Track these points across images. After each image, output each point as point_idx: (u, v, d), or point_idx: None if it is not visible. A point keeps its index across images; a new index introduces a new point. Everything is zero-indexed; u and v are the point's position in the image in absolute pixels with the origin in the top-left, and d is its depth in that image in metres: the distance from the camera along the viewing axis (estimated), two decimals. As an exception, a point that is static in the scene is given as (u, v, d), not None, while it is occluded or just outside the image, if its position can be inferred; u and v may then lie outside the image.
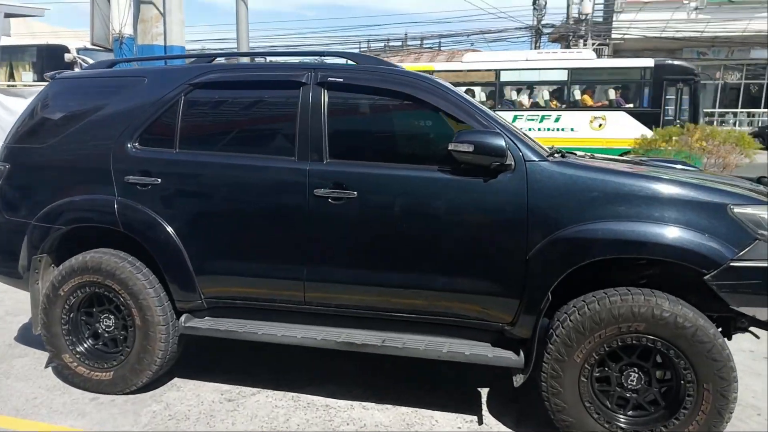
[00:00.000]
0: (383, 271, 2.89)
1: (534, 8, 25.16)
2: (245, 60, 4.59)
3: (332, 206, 2.88)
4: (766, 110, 24.35)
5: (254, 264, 3.09)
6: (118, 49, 9.00)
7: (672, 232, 2.47)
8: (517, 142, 2.72)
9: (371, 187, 2.85)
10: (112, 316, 3.34)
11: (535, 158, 2.70)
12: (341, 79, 2.99)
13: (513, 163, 2.68)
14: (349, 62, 3.20)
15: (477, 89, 14.44)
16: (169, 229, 3.14)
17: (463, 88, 12.69)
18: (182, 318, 3.23)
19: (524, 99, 14.33)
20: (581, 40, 23.82)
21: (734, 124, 24.15)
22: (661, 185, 2.59)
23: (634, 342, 2.52)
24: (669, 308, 2.43)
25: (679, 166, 3.32)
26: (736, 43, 23.51)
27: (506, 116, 12.72)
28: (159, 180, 3.14)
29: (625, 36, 23.66)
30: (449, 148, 2.67)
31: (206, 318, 3.24)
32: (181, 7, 8.47)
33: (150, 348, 3.22)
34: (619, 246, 2.51)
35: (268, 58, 3.61)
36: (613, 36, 24.07)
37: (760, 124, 22.68)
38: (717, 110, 25.07)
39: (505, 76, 14.29)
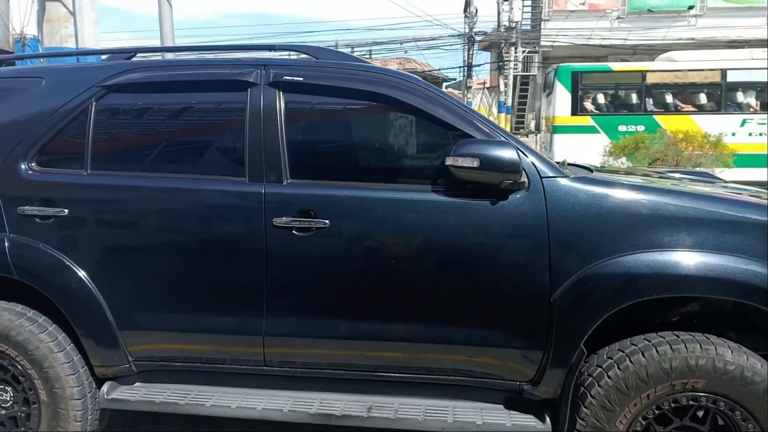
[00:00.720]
0: (365, 320, 2.30)
1: (465, 16, 25.35)
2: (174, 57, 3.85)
3: (297, 239, 2.26)
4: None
5: (197, 314, 2.41)
6: (20, 52, 7.87)
7: (742, 266, 2.02)
8: (529, 155, 2.21)
9: (347, 214, 2.26)
10: (9, 388, 2.54)
11: (552, 173, 2.20)
12: (301, 78, 2.37)
13: (526, 180, 2.17)
14: (303, 57, 2.59)
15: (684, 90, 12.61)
16: (81, 273, 2.40)
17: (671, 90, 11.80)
18: (104, 387, 2.48)
19: (751, 100, 12.58)
20: (512, 48, 24.24)
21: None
22: (717, 206, 2.15)
23: (690, 402, 2.05)
24: (733, 359, 1.99)
25: (704, 179, 2.95)
26: (657, 51, 24.74)
27: (733, 120, 11.72)
28: (65, 211, 2.40)
29: (554, 44, 24.32)
30: (447, 163, 2.13)
31: (137, 385, 2.51)
32: (93, 5, 7.49)
33: (61, 429, 2.45)
34: (679, 283, 2.04)
35: (206, 54, 2.93)
36: (542, 43, 24.67)
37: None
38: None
39: (733, 76, 12.65)
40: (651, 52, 25.80)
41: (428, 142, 2.48)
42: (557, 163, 2.42)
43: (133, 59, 2.70)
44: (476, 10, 24.46)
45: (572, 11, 24.70)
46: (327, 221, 2.24)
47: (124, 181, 2.43)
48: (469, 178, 2.13)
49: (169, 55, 3.77)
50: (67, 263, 2.41)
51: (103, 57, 2.81)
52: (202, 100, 2.52)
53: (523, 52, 24.41)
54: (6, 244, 2.43)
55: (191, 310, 2.41)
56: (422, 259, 2.23)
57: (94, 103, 2.48)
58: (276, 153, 2.33)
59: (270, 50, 2.67)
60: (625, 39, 23.75)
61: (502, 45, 24.13)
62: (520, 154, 2.14)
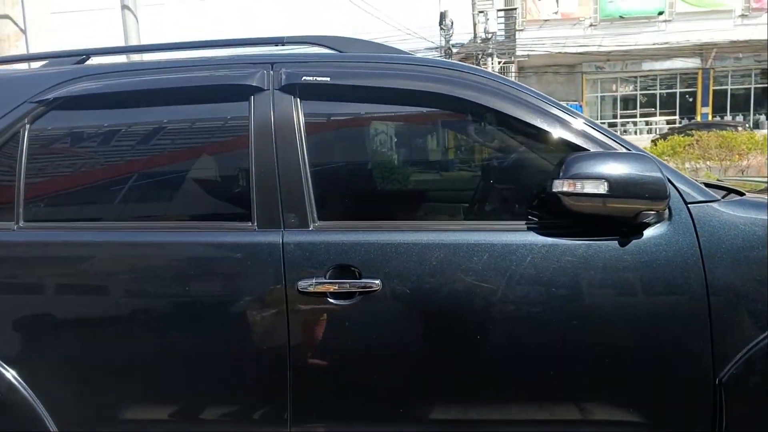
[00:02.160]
0: (436, 408, 1.59)
1: (441, 28, 25.07)
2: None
3: (335, 311, 1.54)
4: (662, 117, 25.82)
5: (186, 420, 1.66)
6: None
7: None
8: (666, 172, 1.54)
9: (408, 270, 1.54)
10: None
11: (700, 197, 1.54)
12: (327, 79, 1.67)
13: (667, 209, 1.50)
14: (319, 50, 1.89)
15: None
16: (10, 374, 1.63)
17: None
18: None
19: None
20: (489, 59, 24.01)
21: (635, 132, 25.39)
22: None
23: None
24: None
25: None
26: (630, 57, 24.78)
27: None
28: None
29: (530, 53, 24.20)
30: (554, 189, 1.45)
31: None
32: (46, 22, 6.69)
33: None
34: None
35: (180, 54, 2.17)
36: (518, 53, 24.52)
37: (658, 131, 23.87)
38: (619, 120, 26.31)
39: None
40: (625, 57, 25.97)
41: (514, 159, 1.79)
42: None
43: (86, 64, 1.96)
44: (452, 23, 24.17)
45: (546, 20, 24.67)
46: (378, 281, 1.53)
47: (75, 237, 1.68)
48: (590, 210, 1.45)
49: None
50: None
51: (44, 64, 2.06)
52: (185, 115, 1.79)
53: (500, 62, 24.20)
54: None
55: (178, 412, 1.67)
56: (521, 331, 1.53)
57: (27, 126, 1.73)
58: (296, 185, 1.62)
59: (277, 45, 1.96)
60: (599, 45, 23.74)
61: (479, 56, 23.86)
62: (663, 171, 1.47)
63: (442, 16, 24.78)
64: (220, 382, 1.64)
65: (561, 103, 1.65)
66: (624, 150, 1.54)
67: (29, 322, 1.67)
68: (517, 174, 1.77)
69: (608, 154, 1.47)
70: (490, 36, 24.09)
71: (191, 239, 1.64)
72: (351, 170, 1.76)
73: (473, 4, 24.83)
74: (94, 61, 2.01)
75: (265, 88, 1.69)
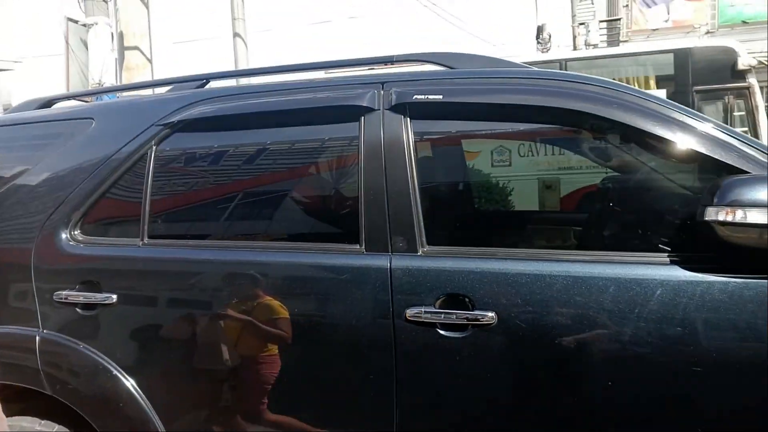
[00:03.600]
0: None
1: (538, 42, 24.41)
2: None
3: (445, 342, 1.45)
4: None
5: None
6: (98, 100, 7.77)
7: None
8: None
9: (529, 303, 1.42)
10: None
11: None
12: (439, 97, 1.61)
13: None
14: (431, 68, 1.83)
15: None
16: (130, 383, 1.72)
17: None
18: None
19: None
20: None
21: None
22: None
23: None
24: None
25: None
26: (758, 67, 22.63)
27: None
28: (114, 297, 1.74)
29: (636, 65, 22.85)
30: (704, 217, 1.27)
31: None
32: (171, 52, 7.29)
33: None
34: None
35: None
36: (623, 66, 23.26)
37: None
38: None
39: None
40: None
41: (645, 180, 1.61)
42: None
43: (204, 88, 2.05)
44: (549, 36, 23.49)
45: (654, 30, 23.20)
46: (493, 314, 1.42)
47: (191, 255, 1.74)
48: (752, 243, 1.25)
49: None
50: (114, 372, 1.73)
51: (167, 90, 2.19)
52: (295, 136, 1.81)
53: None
54: (37, 346, 1.79)
55: None
56: (660, 379, 1.34)
57: (153, 147, 1.84)
58: (405, 207, 1.56)
59: (386, 64, 1.93)
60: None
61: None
62: None
63: (540, 29, 24.13)
64: (320, 406, 1.60)
65: (705, 116, 1.45)
66: None
67: (148, 333, 1.74)
68: (649, 197, 1.58)
69: None
70: (591, 48, 23.10)
71: (297, 260, 1.63)
72: (462, 192, 1.67)
73: (573, 16, 23.94)
74: (213, 85, 2.11)
75: (376, 108, 1.66)
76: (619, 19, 24.64)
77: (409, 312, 1.48)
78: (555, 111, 1.54)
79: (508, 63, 1.80)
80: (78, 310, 1.77)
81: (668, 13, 23.93)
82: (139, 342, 1.74)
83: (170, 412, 1.71)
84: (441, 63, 1.80)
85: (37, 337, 1.80)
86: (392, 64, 1.92)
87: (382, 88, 1.68)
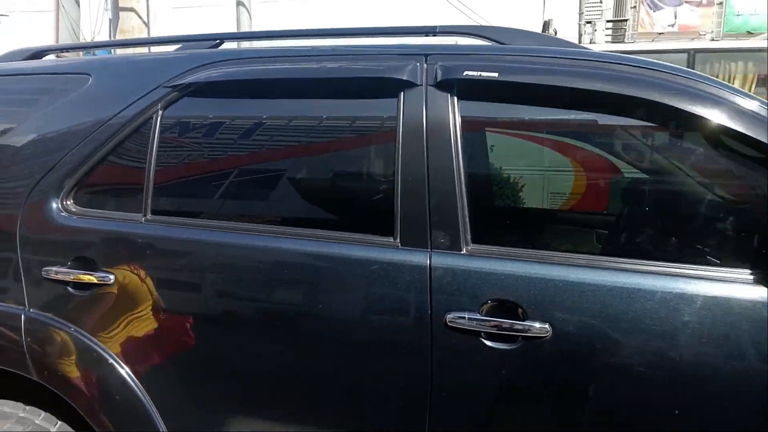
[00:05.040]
0: None
1: (542, 37, 24.14)
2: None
3: (490, 354, 1.28)
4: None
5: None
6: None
7: None
8: None
9: (590, 318, 1.24)
10: None
11: None
12: (494, 75, 1.41)
13: None
14: (476, 42, 1.63)
15: None
16: (124, 370, 1.52)
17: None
18: None
19: None
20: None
21: None
22: None
23: None
24: None
25: None
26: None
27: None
28: (110, 277, 1.53)
29: (639, 67, 22.74)
30: None
31: None
32: (170, 16, 6.97)
33: None
34: None
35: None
36: (624, 67, 23.13)
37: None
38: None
39: None
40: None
41: (736, 187, 1.43)
42: None
43: (221, 48, 1.83)
44: (555, 32, 23.26)
45: (660, 33, 23.04)
46: (547, 326, 1.25)
47: (202, 236, 1.53)
48: None
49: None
50: (108, 359, 1.54)
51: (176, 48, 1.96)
52: (324, 110, 1.60)
53: (603, 75, 22.90)
54: (22, 326, 1.59)
55: None
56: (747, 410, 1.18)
57: (160, 112, 1.62)
58: (449, 199, 1.37)
59: (428, 35, 1.73)
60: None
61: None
62: None
63: (546, 25, 23.88)
64: (344, 408, 1.42)
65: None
66: None
67: (150, 320, 1.54)
68: (731, 206, 1.41)
69: None
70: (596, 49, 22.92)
71: (323, 250, 1.44)
72: (515, 186, 1.49)
73: (580, 14, 23.71)
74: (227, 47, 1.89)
75: (418, 83, 1.46)
76: (627, 20, 24.50)
77: (450, 317, 1.30)
78: (626, 100, 1.35)
79: (565, 42, 1.60)
80: (70, 289, 1.57)
81: (675, 18, 23.84)
82: (139, 329, 1.54)
83: (172, 408, 1.52)
84: (490, 37, 1.60)
85: (23, 316, 1.59)
86: (434, 36, 1.71)
87: (426, 60, 1.48)
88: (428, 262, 1.34)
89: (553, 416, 1.29)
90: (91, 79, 1.73)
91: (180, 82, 1.61)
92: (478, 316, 1.28)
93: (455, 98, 1.43)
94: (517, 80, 1.40)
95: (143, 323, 1.55)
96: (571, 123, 1.45)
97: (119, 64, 1.80)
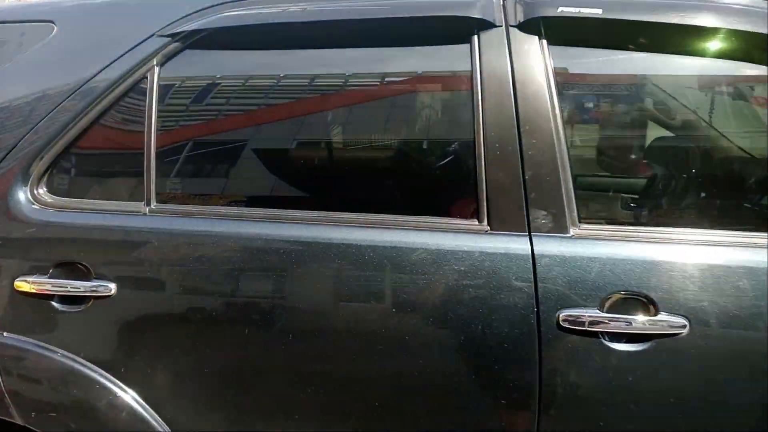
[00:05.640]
0: None
1: None
2: None
3: (616, 357, 1.05)
4: None
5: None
6: None
7: None
8: None
9: (730, 311, 1.03)
10: None
11: None
12: (598, 10, 1.13)
13: None
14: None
15: None
16: (130, 394, 1.22)
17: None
18: None
19: None
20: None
21: None
22: None
23: None
24: None
25: None
26: None
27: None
28: (111, 287, 1.19)
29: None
30: None
31: None
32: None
33: None
34: None
35: None
36: None
37: None
38: None
39: None
40: None
41: None
42: None
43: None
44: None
45: None
46: (684, 321, 1.03)
47: (224, 227, 1.20)
48: None
49: None
50: (113, 389, 1.22)
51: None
52: (374, 61, 1.28)
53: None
54: (-8, 357, 1.24)
55: None
56: None
57: (156, 69, 1.25)
58: (549, 170, 1.10)
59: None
60: None
61: None
62: None
63: None
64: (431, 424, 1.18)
65: None
66: None
67: (167, 338, 1.22)
68: None
69: None
70: None
71: (393, 239, 1.15)
72: (630, 152, 1.23)
73: None
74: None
75: (497, 23, 1.16)
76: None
77: (564, 315, 1.06)
78: None
79: None
80: (55, 304, 1.22)
81: None
82: (150, 346, 1.22)
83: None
84: None
85: (-10, 345, 1.24)
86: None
87: None
88: (530, 249, 1.09)
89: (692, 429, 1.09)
90: (55, 28, 1.33)
91: (181, 29, 1.24)
92: (600, 314, 1.05)
93: (544, 41, 1.15)
94: (627, 18, 1.12)
95: (155, 339, 1.23)
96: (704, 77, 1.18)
97: (94, 8, 1.39)
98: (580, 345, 1.07)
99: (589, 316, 1.05)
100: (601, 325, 1.05)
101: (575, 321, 1.06)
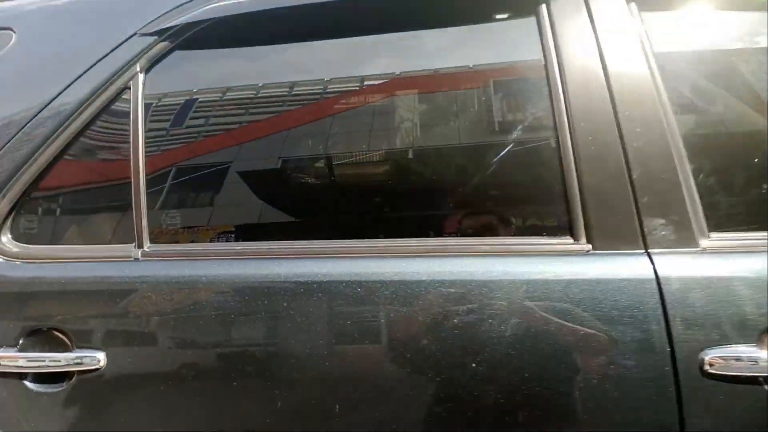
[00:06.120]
0: None
1: None
2: None
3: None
4: None
5: None
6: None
7: None
8: None
9: None
10: None
11: None
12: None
13: None
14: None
15: None
16: None
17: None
18: None
19: None
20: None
21: None
22: None
23: None
24: None
25: None
26: None
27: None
28: (100, 358, 0.91)
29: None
30: None
31: None
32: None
33: None
34: None
35: None
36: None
37: None
38: None
39: None
40: None
41: None
42: None
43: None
44: None
45: None
46: None
47: (243, 269, 0.92)
48: None
49: None
50: None
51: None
52: (414, 49, 1.02)
53: None
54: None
55: None
56: None
57: (140, 77, 0.99)
58: (665, 169, 0.84)
59: None
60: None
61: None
62: None
63: None
64: None
65: None
66: None
67: (177, 417, 0.94)
68: None
69: None
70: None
71: (455, 270, 0.87)
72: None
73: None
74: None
75: None
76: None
77: (711, 357, 0.78)
78: None
79: None
80: (28, 384, 0.94)
81: None
82: (148, 423, 0.93)
83: None
84: None
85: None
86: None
87: None
88: (653, 270, 0.82)
89: None
90: (14, 36, 1.07)
91: (170, 24, 0.98)
92: (759, 352, 0.78)
93: (633, 4, 0.90)
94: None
95: (158, 423, 0.94)
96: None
97: (60, 9, 1.12)
98: (739, 394, 0.79)
99: (748, 358, 0.78)
100: (762, 368, 0.78)
101: (726, 364, 0.78)
